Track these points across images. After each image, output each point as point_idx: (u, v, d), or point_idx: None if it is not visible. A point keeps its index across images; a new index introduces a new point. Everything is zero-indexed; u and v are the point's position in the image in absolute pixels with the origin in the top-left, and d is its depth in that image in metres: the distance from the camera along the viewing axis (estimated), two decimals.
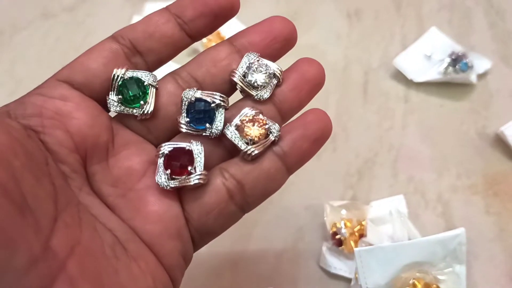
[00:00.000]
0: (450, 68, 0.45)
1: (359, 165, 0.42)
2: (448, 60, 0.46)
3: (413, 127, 0.44)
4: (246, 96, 0.25)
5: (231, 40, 0.25)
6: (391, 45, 0.50)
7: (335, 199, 0.39)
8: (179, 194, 0.24)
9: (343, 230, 0.36)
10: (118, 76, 0.23)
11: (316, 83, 0.25)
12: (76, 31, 0.52)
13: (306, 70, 0.25)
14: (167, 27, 0.24)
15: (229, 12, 0.24)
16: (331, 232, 0.37)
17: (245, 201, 0.24)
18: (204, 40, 0.49)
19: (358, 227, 0.37)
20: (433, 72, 0.46)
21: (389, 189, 0.40)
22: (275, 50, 0.25)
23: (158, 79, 0.24)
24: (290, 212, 0.40)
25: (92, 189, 0.23)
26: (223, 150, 0.25)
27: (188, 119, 0.24)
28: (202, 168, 0.23)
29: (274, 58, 0.25)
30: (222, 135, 0.24)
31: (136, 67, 0.24)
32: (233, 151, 0.25)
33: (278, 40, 0.25)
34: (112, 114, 0.24)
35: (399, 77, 0.47)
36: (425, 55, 0.47)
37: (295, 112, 0.25)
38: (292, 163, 0.24)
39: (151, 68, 0.25)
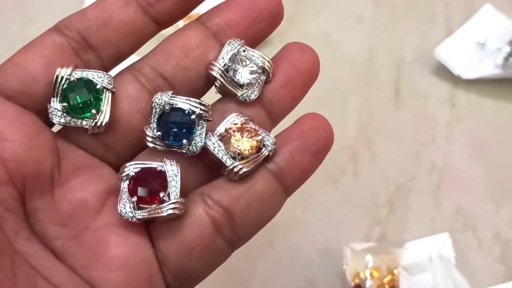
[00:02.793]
0: (511, 60, 0.47)
1: (390, 193, 0.43)
2: (508, 49, 0.47)
3: (461, 140, 0.46)
4: (226, 95, 0.26)
5: (202, 20, 0.26)
6: (431, 30, 0.51)
7: (357, 240, 0.40)
8: (149, 229, 0.25)
9: (369, 282, 0.37)
10: (62, 77, 0.24)
11: (311, 76, 0.26)
12: (10, 18, 0.53)
13: (298, 59, 0.26)
14: (126, 12, 0.25)
15: None
16: (352, 284, 0.38)
17: (235, 233, 0.25)
18: (180, 22, 0.50)
19: (389, 277, 0.38)
20: (488, 65, 0.47)
21: (430, 225, 0.42)
22: (260, 31, 0.26)
23: (114, 74, 0.26)
24: (298, 258, 0.41)
25: (33, 232, 0.23)
26: (203, 169, 0.26)
27: (159, 133, 0.24)
28: (178, 194, 0.24)
29: (257, 42, 0.26)
30: (201, 151, 0.25)
31: (88, 66, 0.25)
32: (214, 169, 0.25)
33: (263, 17, 0.25)
34: (57, 127, 0.26)
35: (442, 72, 0.48)
36: (477, 43, 0.49)
37: (286, 114, 0.26)
38: (290, 183, 0.25)
39: (108, 65, 0.26)
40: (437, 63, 0.49)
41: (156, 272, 0.24)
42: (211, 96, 0.27)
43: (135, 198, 0.24)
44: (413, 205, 0.43)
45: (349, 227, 0.42)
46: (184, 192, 0.25)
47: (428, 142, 0.46)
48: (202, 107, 0.25)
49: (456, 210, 0.42)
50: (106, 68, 0.26)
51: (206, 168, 0.26)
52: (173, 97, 0.24)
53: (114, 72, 0.27)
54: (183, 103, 0.25)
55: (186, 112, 0.24)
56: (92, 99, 0.24)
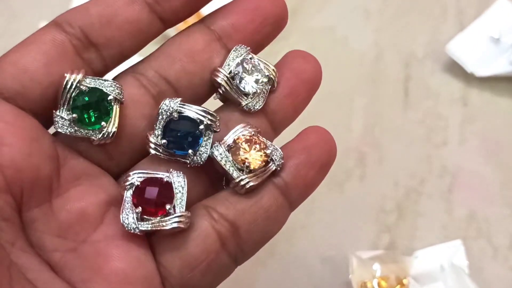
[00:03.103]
0: None
1: (399, 197, 0.43)
2: None
3: (474, 141, 0.45)
4: (229, 103, 0.27)
5: (206, 22, 0.27)
6: (442, 25, 0.51)
7: (364, 248, 0.40)
8: (151, 242, 0.25)
9: None
10: (72, 84, 0.24)
11: (314, 85, 0.27)
12: None
13: (301, 68, 0.26)
14: (132, 10, 0.25)
15: None
16: None
17: (239, 249, 0.25)
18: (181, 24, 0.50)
19: (398, 287, 0.38)
20: (502, 62, 0.47)
21: (441, 232, 0.41)
22: (265, 36, 0.26)
23: (113, 77, 0.26)
24: (300, 267, 0.40)
25: (30, 243, 0.23)
26: (205, 181, 0.26)
27: (164, 141, 0.25)
28: (184, 207, 0.24)
29: (262, 47, 0.27)
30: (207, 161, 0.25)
31: (90, 66, 0.25)
32: (216, 181, 0.26)
33: (268, 21, 0.26)
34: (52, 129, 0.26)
35: (455, 70, 0.48)
36: (491, 38, 0.48)
37: (288, 123, 0.27)
38: (295, 197, 0.26)
39: (110, 65, 0.26)
40: (448, 59, 0.48)
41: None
42: (210, 102, 0.27)
43: (139, 209, 0.24)
44: (424, 210, 0.43)
45: (355, 234, 0.42)
46: (187, 205, 0.25)
47: (439, 143, 0.46)
48: (211, 117, 0.25)
49: (469, 215, 0.42)
50: (109, 68, 0.26)
51: (208, 180, 0.26)
52: (181, 104, 0.25)
53: (114, 73, 0.27)
54: (192, 111, 0.25)
55: (194, 121, 0.25)
56: (103, 110, 0.25)
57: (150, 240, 0.25)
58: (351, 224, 0.42)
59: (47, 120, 0.25)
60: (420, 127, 0.46)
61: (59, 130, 0.24)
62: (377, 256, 0.39)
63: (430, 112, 0.47)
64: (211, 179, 0.26)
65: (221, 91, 0.26)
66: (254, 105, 0.26)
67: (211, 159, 0.25)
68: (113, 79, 0.26)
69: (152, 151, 0.25)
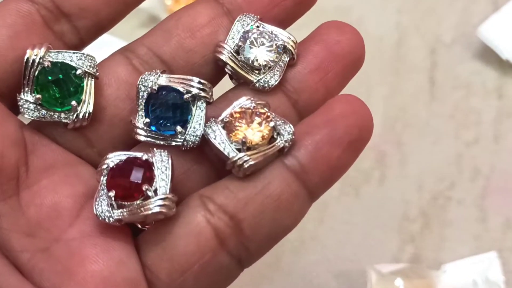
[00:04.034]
0: None
1: (424, 203, 0.43)
2: None
3: (511, 139, 0.45)
4: (241, 83, 0.26)
5: None
6: (473, 5, 0.51)
7: (384, 261, 0.40)
8: (137, 241, 0.24)
9: None
10: (34, 61, 0.24)
11: (352, 61, 0.25)
12: None
13: (334, 40, 0.25)
14: None
15: None
16: None
17: (243, 247, 0.24)
18: (169, 1, 0.50)
19: None
20: None
21: (473, 243, 0.41)
22: (285, 11, 0.26)
23: (98, 62, 0.25)
24: (310, 283, 0.40)
25: None
26: (208, 168, 0.25)
27: (147, 120, 0.24)
28: (168, 189, 0.23)
29: (282, 25, 0.26)
30: (204, 143, 0.25)
31: (61, 39, 0.25)
32: (222, 168, 0.25)
33: None
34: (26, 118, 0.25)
35: (488, 56, 0.48)
36: None
37: (317, 106, 0.25)
38: (315, 183, 0.24)
39: (86, 38, 0.26)
40: (481, 45, 0.48)
41: None
42: (229, 86, 0.26)
43: (112, 193, 0.23)
44: (453, 218, 0.42)
45: (374, 245, 0.41)
46: (183, 195, 0.24)
47: (470, 141, 0.45)
48: (199, 85, 0.24)
49: (506, 224, 0.42)
50: (84, 41, 0.26)
51: (212, 168, 0.25)
52: (162, 76, 0.24)
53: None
54: (175, 82, 0.24)
55: (179, 92, 0.24)
56: (71, 88, 0.24)
57: (137, 240, 0.24)
58: (369, 234, 0.42)
59: (14, 104, 0.24)
60: (449, 122, 0.46)
61: (25, 115, 0.24)
62: (400, 271, 0.39)
63: (459, 105, 0.47)
64: (215, 166, 0.25)
65: (227, 71, 0.25)
66: (268, 80, 0.25)
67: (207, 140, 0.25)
68: (103, 60, 0.26)
69: (141, 138, 0.24)
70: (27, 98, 0.24)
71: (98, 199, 0.23)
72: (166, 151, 0.24)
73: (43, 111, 0.24)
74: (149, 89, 0.24)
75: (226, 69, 0.26)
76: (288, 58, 0.25)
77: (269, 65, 0.25)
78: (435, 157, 0.44)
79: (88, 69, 0.24)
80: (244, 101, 0.24)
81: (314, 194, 0.24)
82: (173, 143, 0.25)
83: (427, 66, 0.48)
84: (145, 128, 0.24)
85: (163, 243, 0.24)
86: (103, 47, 0.27)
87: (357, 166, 0.43)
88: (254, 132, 0.24)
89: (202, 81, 0.25)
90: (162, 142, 0.25)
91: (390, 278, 0.38)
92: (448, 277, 0.38)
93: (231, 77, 0.26)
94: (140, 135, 0.25)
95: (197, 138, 0.24)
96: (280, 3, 0.26)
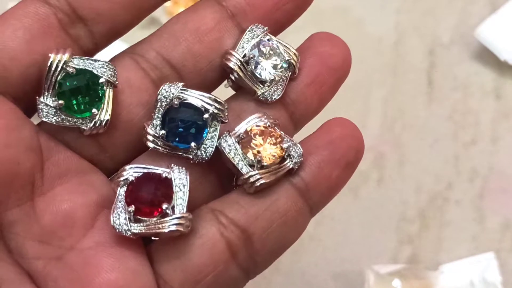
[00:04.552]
0: None
1: (422, 204, 0.43)
2: None
3: (509, 140, 0.45)
4: (242, 91, 0.26)
5: None
6: (471, 6, 0.51)
7: (382, 262, 0.40)
8: (149, 251, 0.25)
9: None
10: (57, 66, 0.24)
11: (342, 73, 0.26)
12: None
13: (328, 53, 0.26)
14: None
15: None
16: None
17: (251, 259, 0.25)
18: (168, 2, 0.50)
19: None
20: None
21: (471, 244, 0.41)
22: (286, 14, 0.26)
23: (107, 59, 0.25)
24: (309, 284, 0.40)
25: (7, 249, 0.23)
26: (213, 180, 0.26)
27: (164, 132, 0.25)
28: (185, 208, 0.24)
29: (281, 28, 0.27)
30: (212, 156, 0.25)
31: (77, 43, 0.25)
32: (227, 182, 0.26)
33: None
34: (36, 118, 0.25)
35: (486, 57, 0.48)
36: None
37: (311, 117, 0.27)
38: (316, 200, 0.25)
39: (101, 43, 0.26)
40: (479, 46, 0.48)
41: None
42: (220, 91, 0.27)
43: (132, 208, 0.23)
44: (451, 219, 0.42)
45: (372, 245, 0.41)
46: (190, 207, 0.24)
47: (468, 142, 0.45)
48: (218, 105, 0.25)
49: (504, 224, 0.42)
50: (99, 46, 0.26)
51: (217, 180, 0.26)
52: (183, 90, 0.25)
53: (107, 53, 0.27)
54: (196, 98, 0.25)
55: (198, 109, 0.25)
56: (95, 96, 0.25)
57: (149, 249, 0.25)
58: (367, 234, 0.42)
59: (29, 107, 0.25)
60: (447, 123, 0.46)
61: (43, 119, 0.24)
62: (398, 271, 0.39)
63: (458, 106, 0.47)
64: (220, 179, 0.26)
65: (233, 78, 0.26)
66: (272, 94, 0.26)
67: (219, 154, 0.25)
68: (109, 61, 0.26)
69: (150, 144, 0.25)
70: (47, 102, 0.24)
71: (115, 211, 0.24)
72: (184, 168, 0.24)
73: (62, 116, 0.24)
74: (168, 101, 0.25)
75: (231, 76, 0.26)
76: (290, 73, 0.26)
77: (274, 79, 0.26)
78: (433, 158, 0.45)
79: (110, 78, 0.24)
80: (256, 119, 0.25)
81: (314, 210, 0.26)
82: (184, 155, 0.25)
83: (426, 67, 0.48)
84: (158, 136, 0.25)
85: (177, 253, 0.24)
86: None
87: None
88: (268, 152, 0.25)
89: (220, 100, 0.25)
90: (169, 152, 0.25)
91: (388, 279, 0.38)
92: (446, 278, 0.39)
93: (231, 84, 0.27)
94: (151, 142, 0.25)
95: (208, 155, 0.25)
96: (281, 7, 0.26)
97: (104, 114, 0.24)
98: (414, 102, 0.47)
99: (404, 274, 0.39)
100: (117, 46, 0.27)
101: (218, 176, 0.26)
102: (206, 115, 0.25)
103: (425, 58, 0.49)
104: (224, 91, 0.27)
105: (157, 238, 0.25)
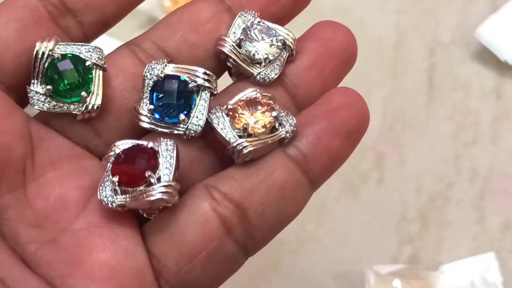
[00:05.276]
0: None
1: (422, 204, 0.43)
2: None
3: (509, 140, 0.45)
4: (242, 77, 0.27)
5: None
6: (472, 6, 0.51)
7: (382, 262, 0.40)
8: (143, 230, 0.25)
9: None
10: (43, 53, 0.24)
11: (346, 58, 0.26)
12: None
13: (329, 37, 0.26)
14: None
15: None
16: None
17: (249, 235, 0.24)
18: (167, 2, 0.50)
19: None
20: None
21: (472, 244, 0.41)
22: (283, 8, 0.26)
23: (106, 54, 0.26)
24: (309, 284, 0.40)
25: (1, 235, 0.23)
26: (213, 159, 0.26)
27: (152, 106, 0.25)
28: (172, 177, 0.23)
29: (280, 22, 0.27)
30: (209, 133, 0.25)
31: (67, 34, 0.26)
32: (227, 159, 0.25)
33: None
34: (31, 109, 0.26)
35: (486, 57, 0.48)
36: None
37: (316, 100, 0.26)
38: (317, 172, 0.25)
39: (91, 33, 0.26)
40: (479, 46, 0.48)
41: (151, 284, 0.24)
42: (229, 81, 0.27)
43: (116, 178, 0.23)
44: (451, 219, 0.42)
45: (373, 246, 0.42)
46: (188, 185, 0.24)
47: (469, 142, 0.45)
48: (204, 76, 0.25)
49: (504, 224, 0.42)
50: (88, 38, 0.26)
51: (217, 158, 0.26)
52: (168, 65, 0.25)
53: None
54: (181, 72, 0.25)
55: (184, 81, 0.25)
56: (80, 79, 0.25)
57: (143, 229, 0.25)
58: (368, 234, 0.42)
59: (23, 97, 0.25)
60: (447, 123, 0.46)
61: (35, 107, 0.24)
62: (398, 271, 0.39)
63: (458, 106, 0.47)
64: (220, 157, 0.26)
65: (229, 64, 0.26)
66: (268, 74, 0.26)
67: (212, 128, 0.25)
68: (109, 53, 0.26)
69: (145, 125, 0.25)
70: (37, 89, 0.24)
71: (103, 184, 0.24)
72: (172, 140, 0.24)
73: (53, 103, 0.25)
74: (155, 77, 0.25)
75: (227, 63, 0.26)
76: (288, 53, 0.26)
77: (269, 59, 0.26)
78: (433, 158, 0.45)
79: (97, 61, 0.25)
80: (250, 92, 0.25)
81: (315, 183, 0.25)
82: (175, 131, 0.25)
83: (426, 67, 0.49)
84: (148, 115, 0.25)
85: (170, 231, 0.24)
86: (103, 48, 0.27)
87: (355, 167, 0.45)
88: (257, 120, 0.24)
89: (207, 72, 0.25)
90: (164, 130, 0.25)
91: (388, 279, 0.38)
92: (446, 278, 0.39)
93: (230, 73, 0.27)
94: (143, 121, 0.25)
95: (199, 128, 0.25)
96: (278, 0, 0.26)
97: (95, 97, 0.25)
98: (415, 102, 0.47)
99: (405, 274, 0.39)
100: (117, 46, 0.27)
101: (218, 155, 0.26)
102: (191, 84, 0.25)
103: (425, 58, 0.49)
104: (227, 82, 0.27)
105: (150, 217, 0.25)
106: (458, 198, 0.43)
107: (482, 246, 0.41)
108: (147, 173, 0.23)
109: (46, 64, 0.24)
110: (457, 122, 0.46)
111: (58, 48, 0.25)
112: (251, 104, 0.25)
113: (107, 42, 0.28)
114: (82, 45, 0.25)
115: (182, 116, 0.25)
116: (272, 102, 0.25)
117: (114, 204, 0.23)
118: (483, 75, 0.48)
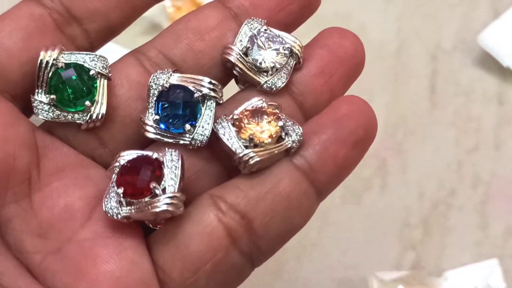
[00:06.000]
0: None
1: (425, 210, 0.43)
2: None
3: None
4: (248, 86, 0.27)
5: (223, 0, 0.27)
6: (474, 12, 0.51)
7: (385, 269, 0.40)
8: (148, 241, 0.25)
9: None
10: (47, 62, 0.24)
11: (354, 64, 0.26)
12: None
13: (336, 44, 0.26)
14: None
15: None
16: None
17: (255, 246, 0.24)
18: (170, 8, 0.50)
19: None
20: None
21: (475, 250, 0.41)
22: (290, 15, 0.26)
23: (111, 63, 0.26)
24: None
25: (6, 244, 0.24)
26: (219, 169, 0.26)
27: (157, 117, 0.25)
28: (177, 188, 0.23)
29: (287, 28, 0.27)
30: (215, 143, 0.25)
31: (73, 42, 0.26)
32: (232, 169, 0.25)
33: None
34: (36, 118, 0.26)
35: (488, 63, 0.48)
36: None
37: (324, 108, 0.26)
38: (324, 182, 0.25)
39: (96, 41, 0.26)
40: (481, 52, 0.48)
41: None
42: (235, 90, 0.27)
43: (121, 189, 0.23)
44: (454, 225, 0.43)
45: (375, 252, 0.42)
46: (193, 195, 0.24)
47: (471, 148, 0.46)
48: (210, 85, 0.25)
49: (507, 231, 0.42)
50: (94, 46, 0.26)
51: (223, 168, 0.26)
52: (173, 74, 0.25)
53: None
54: (186, 81, 0.25)
55: (189, 91, 0.25)
56: (85, 88, 0.25)
57: (148, 239, 0.25)
58: (370, 241, 0.42)
59: (28, 106, 0.25)
60: (449, 129, 0.46)
61: (39, 116, 0.25)
62: (401, 278, 0.39)
63: (460, 112, 0.47)
64: (226, 168, 0.26)
65: (236, 73, 0.26)
66: (275, 82, 0.26)
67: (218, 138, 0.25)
68: (115, 62, 0.26)
69: (150, 135, 0.25)
70: (41, 99, 0.24)
71: (107, 196, 0.24)
72: (177, 150, 0.24)
73: (57, 112, 0.25)
74: (160, 87, 0.25)
75: (234, 71, 0.26)
76: (295, 61, 0.26)
77: (276, 67, 0.26)
78: (435, 164, 0.45)
79: (101, 70, 0.25)
80: (256, 101, 0.25)
81: (321, 193, 0.25)
82: (181, 142, 0.25)
83: (428, 73, 0.49)
84: (154, 125, 0.25)
85: (175, 242, 0.24)
86: (107, 54, 0.27)
87: (358, 174, 0.45)
88: (263, 130, 0.24)
89: (213, 81, 0.25)
90: (170, 140, 0.25)
91: (391, 285, 0.39)
92: (450, 284, 0.39)
93: (237, 81, 0.27)
94: (149, 132, 0.25)
95: (205, 138, 0.25)
96: (285, 7, 0.26)
97: (100, 107, 0.25)
98: (417, 108, 0.47)
99: (408, 280, 0.39)
100: (121, 53, 0.27)
101: (224, 165, 0.26)
102: (196, 94, 0.25)
103: (427, 64, 0.49)
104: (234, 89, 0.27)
105: (156, 228, 0.25)
106: (460, 204, 0.43)
107: (485, 252, 0.41)
108: (152, 184, 0.23)
109: (50, 73, 0.24)
110: (459, 128, 0.46)
111: (62, 57, 0.25)
112: (257, 113, 0.24)
113: (110, 48, 0.28)
114: (86, 54, 0.25)
115: (187, 126, 0.25)
116: (278, 112, 0.25)
117: (119, 216, 0.23)
118: (485, 81, 0.48)
